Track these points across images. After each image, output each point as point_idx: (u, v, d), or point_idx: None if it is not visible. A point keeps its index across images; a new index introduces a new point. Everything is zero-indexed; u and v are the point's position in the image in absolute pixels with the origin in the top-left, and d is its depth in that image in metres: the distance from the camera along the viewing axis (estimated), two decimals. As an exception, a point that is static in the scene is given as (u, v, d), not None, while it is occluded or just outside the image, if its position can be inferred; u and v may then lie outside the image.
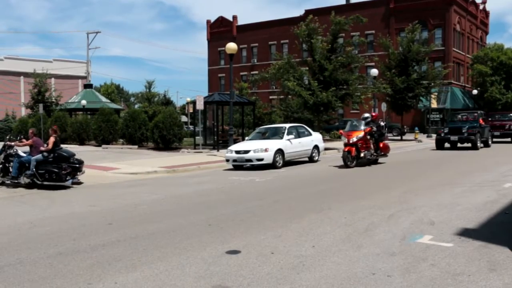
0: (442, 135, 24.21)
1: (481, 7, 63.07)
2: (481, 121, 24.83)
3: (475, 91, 51.26)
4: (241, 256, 5.58)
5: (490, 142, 25.74)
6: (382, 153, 17.35)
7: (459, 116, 27.52)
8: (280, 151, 16.82)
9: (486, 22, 66.41)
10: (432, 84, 36.04)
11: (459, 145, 24.43)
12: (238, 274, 4.93)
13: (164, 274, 4.97)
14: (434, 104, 45.53)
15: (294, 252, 5.68)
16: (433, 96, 39.89)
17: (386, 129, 18.84)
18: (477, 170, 14.41)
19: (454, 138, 23.60)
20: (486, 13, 65.99)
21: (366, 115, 17.62)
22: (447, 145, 24.47)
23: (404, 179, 12.82)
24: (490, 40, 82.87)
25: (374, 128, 17.05)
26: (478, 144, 23.30)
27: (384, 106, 38.71)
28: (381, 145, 17.25)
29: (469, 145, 23.80)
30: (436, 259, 5.31)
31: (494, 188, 10.34)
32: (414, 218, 7.48)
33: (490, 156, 19.67)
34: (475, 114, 26.22)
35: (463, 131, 23.51)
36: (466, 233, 6.46)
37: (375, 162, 17.26)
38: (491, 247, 5.72)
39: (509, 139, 29.48)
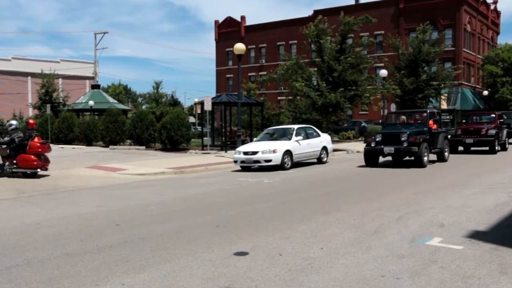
0: (373, 144, 16.80)
1: (492, 7, 62.61)
2: (431, 124, 17.70)
3: (485, 92, 50.93)
4: (249, 257, 5.55)
5: (447, 154, 18.18)
6: (15, 166, 14.58)
7: (402, 117, 19.58)
8: (288, 152, 16.77)
9: (497, 22, 65.93)
10: (442, 85, 35.80)
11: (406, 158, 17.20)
12: (246, 276, 4.90)
13: (171, 276, 4.95)
14: (444, 105, 45.20)
15: (303, 254, 5.63)
16: (443, 97, 39.59)
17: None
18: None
19: (389, 149, 16.30)
20: (497, 13, 65.52)
21: (10, 122, 15.72)
22: (387, 158, 17.75)
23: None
24: (501, 40, 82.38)
25: (16, 138, 14.63)
26: (425, 159, 16.13)
27: (393, 107, 38.58)
28: (21, 158, 14.49)
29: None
30: (446, 261, 5.25)
31: (505, 190, 10.24)
32: (423, 220, 7.40)
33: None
34: (424, 114, 18.38)
35: (402, 139, 16.21)
36: (476, 235, 6.38)
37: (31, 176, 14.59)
38: (502, 250, 5.64)
39: (486, 148, 21.62)
